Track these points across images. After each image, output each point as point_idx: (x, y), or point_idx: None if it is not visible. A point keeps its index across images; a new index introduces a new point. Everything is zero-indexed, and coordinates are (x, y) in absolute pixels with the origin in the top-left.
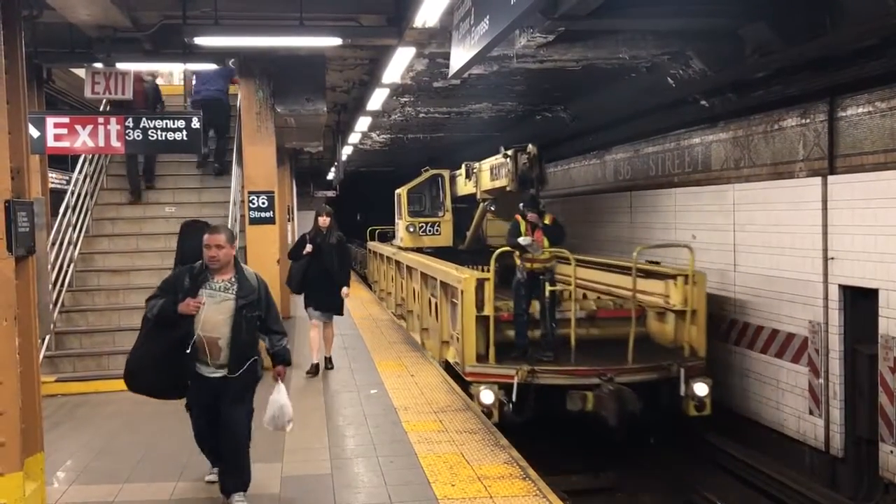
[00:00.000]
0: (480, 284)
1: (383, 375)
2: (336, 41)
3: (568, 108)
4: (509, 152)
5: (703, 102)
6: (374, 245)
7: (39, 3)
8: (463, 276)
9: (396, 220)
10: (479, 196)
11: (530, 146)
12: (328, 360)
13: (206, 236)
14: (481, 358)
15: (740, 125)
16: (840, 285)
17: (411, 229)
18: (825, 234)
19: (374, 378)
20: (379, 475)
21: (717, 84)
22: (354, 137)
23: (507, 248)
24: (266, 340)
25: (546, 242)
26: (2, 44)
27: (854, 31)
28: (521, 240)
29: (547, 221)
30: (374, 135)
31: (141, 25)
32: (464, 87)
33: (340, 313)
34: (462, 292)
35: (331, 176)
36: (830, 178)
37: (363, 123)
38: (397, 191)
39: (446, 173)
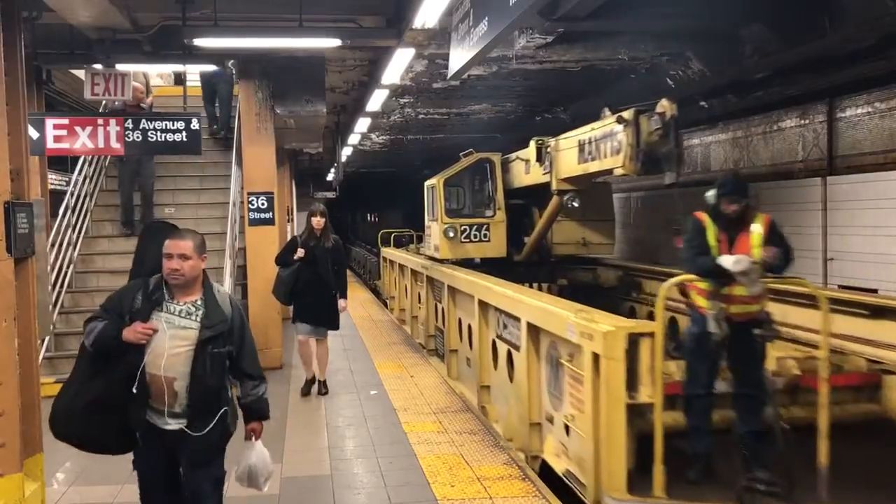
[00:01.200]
0: (633, 345)
1: (383, 376)
2: (335, 42)
3: (568, 110)
4: (626, 114)
5: (702, 103)
6: (390, 253)
7: (39, 4)
8: (598, 328)
9: (427, 222)
10: (554, 187)
11: (664, 102)
12: (322, 384)
13: (167, 242)
14: (635, 482)
15: (739, 126)
16: (839, 286)
17: (451, 234)
18: (825, 234)
19: (373, 379)
20: (378, 476)
21: (716, 85)
22: (354, 138)
23: (688, 277)
24: (237, 386)
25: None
26: (1, 45)
27: (853, 31)
28: (726, 260)
29: (760, 226)
30: (373, 136)
31: (140, 27)
32: (463, 89)
33: (336, 327)
34: (598, 360)
35: (331, 177)
36: (830, 179)
37: (363, 124)
38: (429, 182)
39: (497, 158)
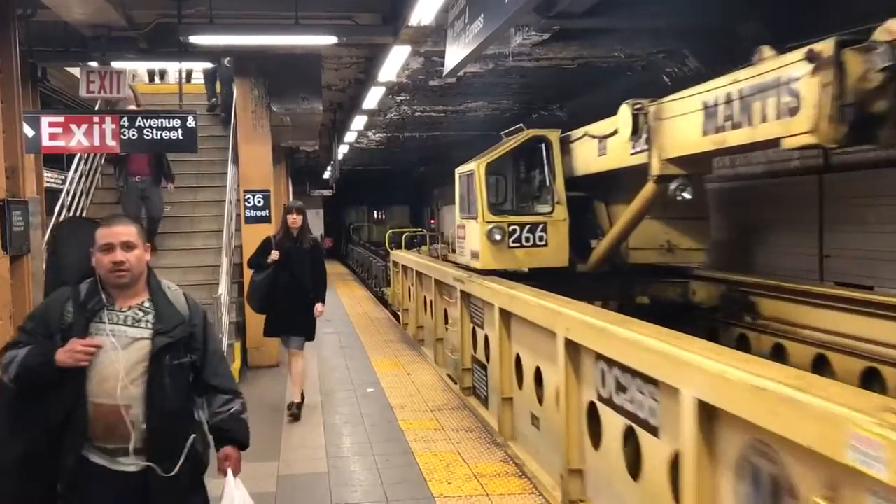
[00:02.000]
0: None
1: (380, 374)
2: (331, 40)
3: (564, 107)
4: (822, 46)
5: None
6: (403, 258)
7: (34, 1)
8: None
9: (460, 221)
10: (656, 171)
11: (891, 25)
12: (296, 405)
13: (101, 231)
14: None
15: None
16: (835, 282)
17: (497, 237)
18: (820, 231)
19: (370, 377)
20: (375, 473)
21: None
22: (350, 136)
23: None
24: (203, 406)
25: None
26: None
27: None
28: None
29: None
30: (370, 133)
31: (136, 24)
32: (460, 86)
33: (311, 337)
34: None
35: (327, 174)
36: (826, 176)
37: (359, 122)
38: (463, 169)
39: (555, 136)
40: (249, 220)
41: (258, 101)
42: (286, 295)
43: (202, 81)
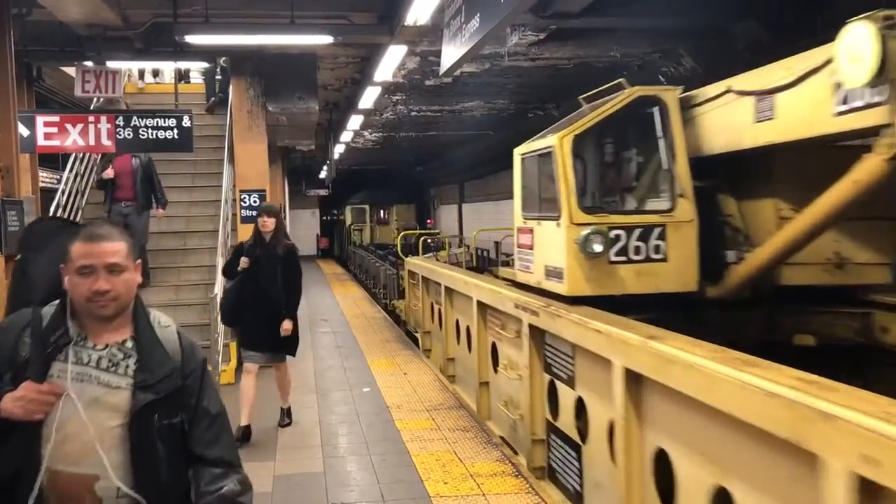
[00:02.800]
0: None
1: (376, 374)
2: (327, 39)
3: (560, 107)
4: None
5: None
6: (425, 268)
7: (29, 1)
8: None
9: (525, 222)
10: None
11: None
12: (285, 413)
13: (78, 246)
14: None
15: None
16: None
17: (595, 246)
18: None
19: (366, 376)
20: (371, 473)
21: (709, 82)
22: (347, 136)
23: None
24: (192, 480)
25: None
26: None
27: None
28: None
29: None
30: (366, 133)
31: (131, 24)
32: (456, 86)
33: (292, 353)
34: None
35: (323, 174)
36: None
37: (355, 122)
38: (531, 147)
39: (672, 97)
40: (245, 219)
41: (254, 101)
42: (253, 307)
43: (199, 81)
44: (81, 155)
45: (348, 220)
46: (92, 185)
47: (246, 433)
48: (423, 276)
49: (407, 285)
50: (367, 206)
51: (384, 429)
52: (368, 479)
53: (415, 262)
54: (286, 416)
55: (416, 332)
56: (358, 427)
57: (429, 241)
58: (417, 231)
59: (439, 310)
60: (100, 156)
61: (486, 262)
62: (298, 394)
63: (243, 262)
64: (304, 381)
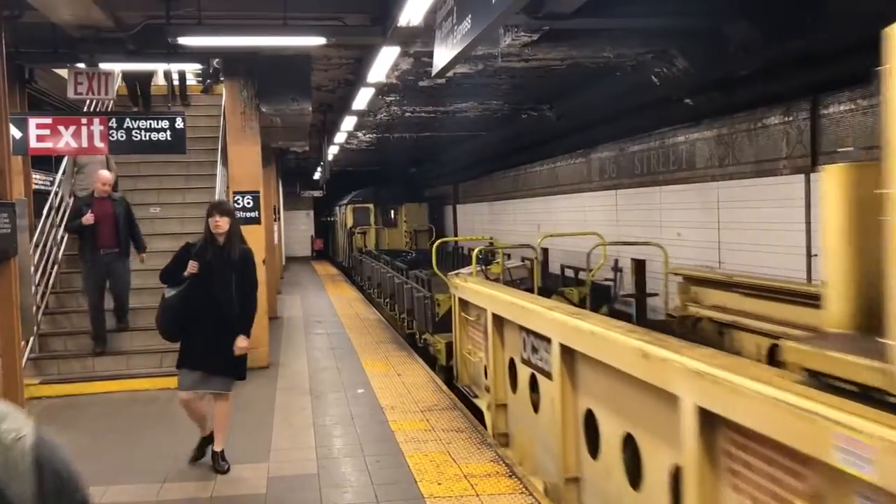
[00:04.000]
0: None
1: (370, 375)
2: (320, 41)
3: (553, 107)
4: None
5: (687, 101)
6: (500, 301)
7: (21, 2)
8: None
9: None
10: None
11: None
12: (220, 456)
13: None
14: None
15: (724, 123)
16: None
17: None
18: (808, 231)
19: (360, 377)
20: (366, 474)
21: (701, 82)
22: (340, 137)
23: None
24: None
25: None
26: None
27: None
28: None
29: None
30: (360, 134)
31: (124, 25)
32: (449, 87)
33: (241, 375)
34: None
35: (317, 176)
36: (813, 176)
37: (349, 123)
38: None
39: None
40: (239, 221)
41: (247, 103)
42: (201, 319)
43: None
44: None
45: (349, 222)
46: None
47: (202, 447)
48: (494, 315)
49: (457, 321)
50: (371, 206)
51: (378, 430)
52: (362, 481)
53: (475, 289)
54: (221, 460)
55: (472, 393)
56: (352, 428)
57: (489, 254)
58: (466, 238)
59: (531, 374)
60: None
61: (557, 281)
62: (293, 395)
63: (192, 266)
64: (299, 383)
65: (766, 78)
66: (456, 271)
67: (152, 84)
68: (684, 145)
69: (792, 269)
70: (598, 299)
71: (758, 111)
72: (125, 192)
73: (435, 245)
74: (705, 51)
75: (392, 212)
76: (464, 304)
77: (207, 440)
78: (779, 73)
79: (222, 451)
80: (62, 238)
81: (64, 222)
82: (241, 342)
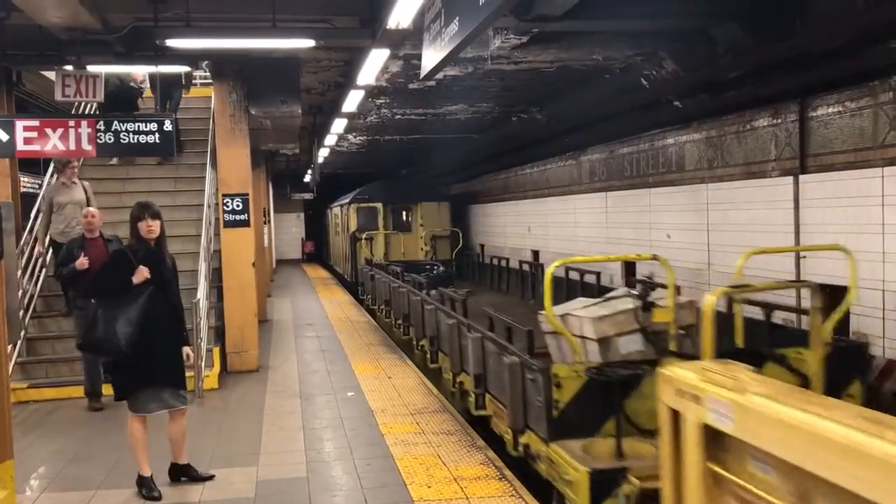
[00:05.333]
0: None
1: (360, 378)
2: (309, 43)
3: (543, 109)
4: None
5: (676, 103)
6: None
7: (7, 4)
8: None
9: None
10: None
11: None
12: (184, 469)
13: None
14: None
15: (713, 125)
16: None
17: None
18: (797, 232)
19: (350, 381)
20: (355, 478)
21: (690, 84)
22: (331, 139)
23: None
24: None
25: None
26: None
27: (824, 31)
28: None
29: None
30: (350, 137)
31: (112, 28)
32: (439, 89)
33: (184, 386)
34: None
35: (308, 178)
36: (802, 178)
37: (339, 125)
38: None
39: None
40: (228, 224)
41: (236, 105)
42: (162, 331)
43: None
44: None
45: (352, 225)
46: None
47: (148, 486)
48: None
49: (693, 473)
50: (379, 206)
51: (368, 433)
52: (352, 484)
53: (791, 420)
54: (194, 471)
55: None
56: (342, 431)
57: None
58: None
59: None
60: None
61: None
62: (282, 398)
63: (142, 272)
64: (289, 386)
65: (754, 80)
66: (563, 309)
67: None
68: (673, 147)
69: (780, 271)
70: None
71: (746, 113)
72: (109, 197)
73: (551, 270)
74: (694, 53)
75: (405, 213)
76: (719, 440)
77: (149, 480)
78: (767, 76)
79: (188, 464)
80: (48, 246)
81: (54, 269)
82: (189, 351)
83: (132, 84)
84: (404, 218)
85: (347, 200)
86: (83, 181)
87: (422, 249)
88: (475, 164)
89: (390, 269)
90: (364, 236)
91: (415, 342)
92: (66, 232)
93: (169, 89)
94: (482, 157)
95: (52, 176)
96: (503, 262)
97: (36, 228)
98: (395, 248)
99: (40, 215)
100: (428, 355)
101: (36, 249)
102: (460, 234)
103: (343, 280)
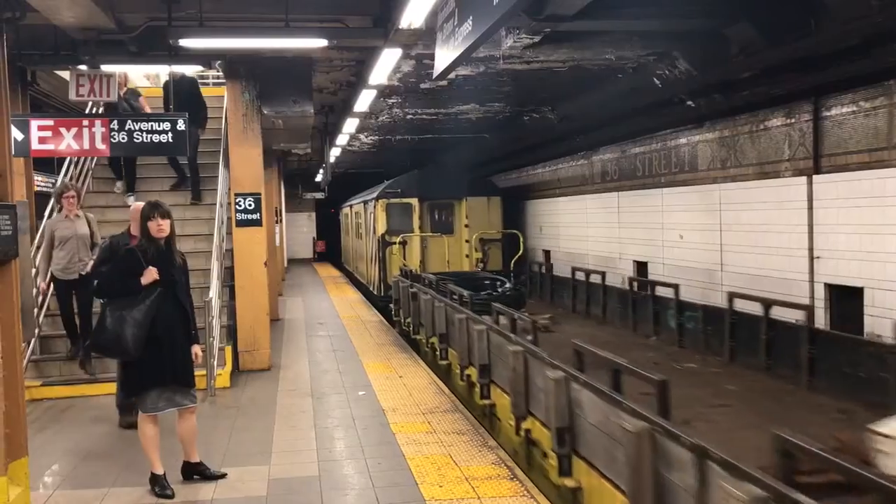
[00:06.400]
0: None
1: (371, 377)
2: (322, 43)
3: (555, 109)
4: None
5: (689, 103)
6: None
7: (22, 4)
8: None
9: None
10: None
11: None
12: (195, 466)
13: None
14: None
15: (726, 125)
16: (826, 284)
17: None
18: (811, 233)
19: (362, 380)
20: (367, 477)
21: (703, 84)
22: (342, 139)
23: None
24: None
25: None
26: None
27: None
28: None
29: None
30: (361, 136)
31: (126, 27)
32: (451, 89)
33: (193, 384)
34: None
35: (319, 178)
36: (816, 178)
37: (351, 125)
38: None
39: None
40: (240, 223)
41: (249, 105)
42: (171, 330)
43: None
44: (75, 158)
45: (381, 226)
46: (90, 167)
47: (162, 484)
48: None
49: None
50: (414, 202)
51: (379, 432)
52: (363, 483)
53: None
54: (206, 469)
55: None
56: (353, 431)
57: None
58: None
59: None
60: (49, 281)
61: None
62: (294, 397)
63: (151, 273)
64: (300, 385)
65: (768, 80)
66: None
67: None
68: (686, 147)
69: (794, 272)
70: None
71: (760, 113)
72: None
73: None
74: (707, 53)
75: (446, 211)
76: None
77: (163, 479)
78: (781, 75)
79: (200, 462)
80: (49, 282)
81: (93, 269)
82: (197, 349)
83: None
84: (444, 217)
85: (373, 195)
86: (87, 213)
87: (467, 257)
88: (487, 164)
89: (442, 287)
90: (399, 240)
91: (504, 415)
92: (68, 268)
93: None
94: (496, 156)
95: (51, 208)
96: (582, 274)
97: (37, 262)
98: (434, 255)
99: (40, 250)
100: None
101: (39, 285)
102: (521, 238)
103: (367, 293)
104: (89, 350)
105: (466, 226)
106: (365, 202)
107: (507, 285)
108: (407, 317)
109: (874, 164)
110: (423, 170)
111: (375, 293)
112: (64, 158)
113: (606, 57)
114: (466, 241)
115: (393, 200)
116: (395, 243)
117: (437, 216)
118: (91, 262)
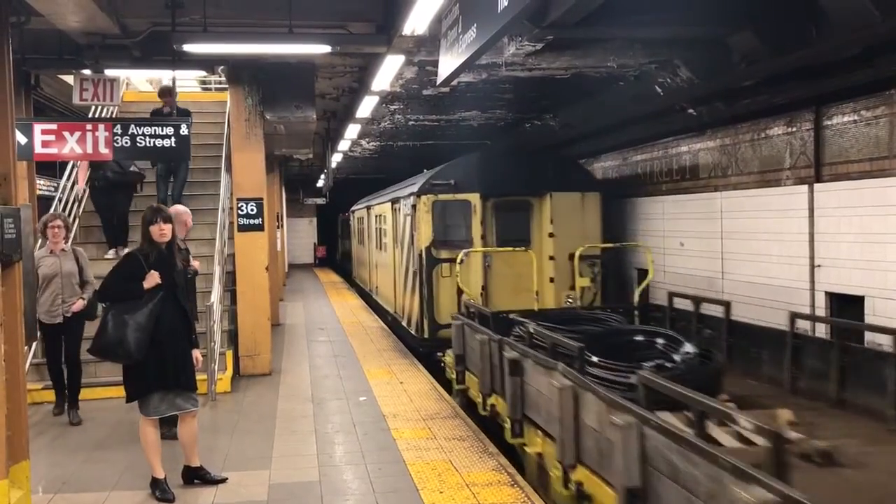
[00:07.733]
0: None
1: (372, 382)
2: (325, 49)
3: (557, 116)
4: None
5: (690, 111)
6: None
7: (27, 9)
8: None
9: None
10: None
11: None
12: (196, 471)
13: None
14: None
15: (727, 133)
16: (826, 292)
17: None
18: (811, 241)
19: (362, 385)
20: (367, 483)
21: (704, 92)
22: (344, 145)
23: None
24: None
25: None
26: None
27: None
28: None
29: None
30: (363, 142)
31: (129, 32)
32: (453, 95)
33: (195, 388)
34: None
35: (320, 183)
36: (817, 186)
37: (353, 131)
38: None
39: None
40: (242, 228)
41: (251, 110)
42: (172, 334)
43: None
44: (79, 163)
45: (425, 234)
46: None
47: (162, 489)
48: None
49: None
50: (475, 199)
51: (380, 438)
52: (364, 489)
53: None
54: (207, 473)
55: None
56: (354, 436)
57: None
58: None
59: None
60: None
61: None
62: (295, 402)
63: (153, 277)
64: (301, 390)
65: (769, 88)
66: None
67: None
68: (687, 155)
69: (795, 280)
70: None
71: (761, 121)
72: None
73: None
74: (709, 61)
75: (518, 213)
76: None
77: (163, 484)
78: (782, 84)
79: (201, 466)
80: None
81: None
82: (198, 354)
83: (133, 168)
84: (517, 221)
85: (409, 190)
86: (76, 248)
87: (552, 281)
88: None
89: (568, 349)
90: (459, 257)
91: None
92: (51, 311)
93: (174, 166)
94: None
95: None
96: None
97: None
98: (501, 279)
99: None
100: None
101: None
102: (650, 255)
103: (398, 331)
104: (75, 399)
105: (551, 235)
106: (393, 200)
107: (688, 349)
108: (491, 392)
109: (875, 174)
110: (485, 151)
111: (415, 333)
112: (66, 162)
113: (608, 65)
114: (551, 258)
115: (443, 197)
116: (446, 261)
117: (504, 221)
118: (80, 302)
